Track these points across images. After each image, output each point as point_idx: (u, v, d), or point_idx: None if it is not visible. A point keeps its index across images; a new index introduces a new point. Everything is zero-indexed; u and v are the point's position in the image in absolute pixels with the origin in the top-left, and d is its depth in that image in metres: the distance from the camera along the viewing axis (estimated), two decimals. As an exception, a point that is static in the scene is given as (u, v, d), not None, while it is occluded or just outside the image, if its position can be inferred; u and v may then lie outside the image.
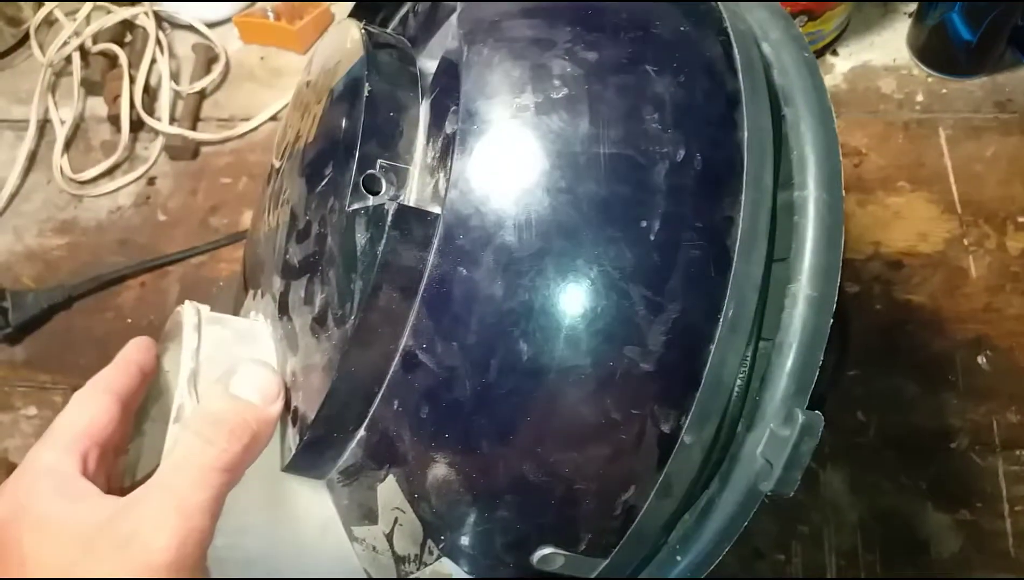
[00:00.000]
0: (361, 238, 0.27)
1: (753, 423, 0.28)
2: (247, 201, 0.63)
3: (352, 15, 0.37)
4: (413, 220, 0.27)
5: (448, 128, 0.29)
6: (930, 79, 0.60)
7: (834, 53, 0.63)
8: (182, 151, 0.66)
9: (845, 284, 0.54)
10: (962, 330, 0.52)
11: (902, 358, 0.51)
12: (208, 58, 0.70)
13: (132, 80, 0.68)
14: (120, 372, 0.32)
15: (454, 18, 0.31)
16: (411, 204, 0.29)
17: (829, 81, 0.62)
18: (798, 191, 0.28)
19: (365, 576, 0.32)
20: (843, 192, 0.28)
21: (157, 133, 0.67)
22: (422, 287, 0.27)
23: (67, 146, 0.68)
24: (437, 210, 0.27)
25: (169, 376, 0.34)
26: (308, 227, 0.31)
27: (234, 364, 0.30)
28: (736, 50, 0.29)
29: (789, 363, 0.27)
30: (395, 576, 0.30)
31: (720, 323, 0.27)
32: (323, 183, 0.31)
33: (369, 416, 0.28)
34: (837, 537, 0.47)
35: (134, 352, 0.33)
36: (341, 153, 0.30)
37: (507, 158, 0.27)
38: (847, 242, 0.56)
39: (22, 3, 0.75)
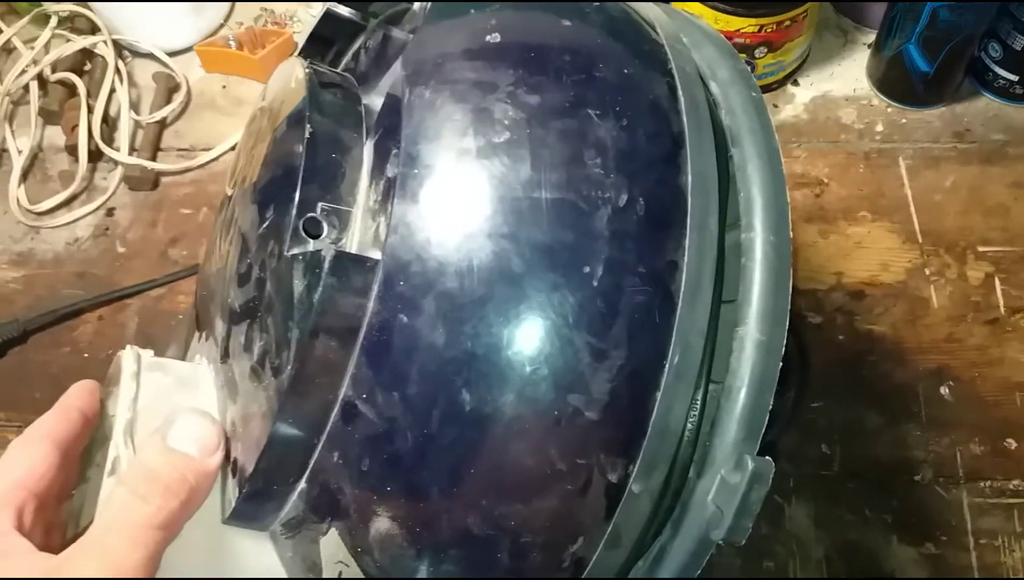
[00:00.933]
0: (299, 285, 0.27)
1: (704, 469, 0.27)
2: (208, 232, 0.62)
3: (303, 52, 0.37)
4: (351, 266, 0.26)
5: (390, 171, 0.28)
6: (890, 109, 0.61)
7: (795, 83, 0.63)
8: (141, 181, 0.65)
9: (808, 314, 0.54)
10: (924, 361, 0.52)
11: (865, 389, 0.51)
12: (169, 87, 0.69)
13: (91, 109, 0.67)
14: (60, 418, 0.31)
15: (399, 59, 0.31)
16: (353, 248, 0.28)
17: (790, 111, 0.62)
18: (745, 233, 0.28)
19: None
20: (791, 233, 0.28)
21: (116, 163, 0.66)
22: (361, 335, 0.26)
23: (24, 176, 0.67)
24: (377, 256, 0.27)
25: (114, 421, 0.33)
26: (249, 271, 0.31)
27: (173, 413, 0.29)
28: (681, 92, 0.29)
29: (738, 408, 0.27)
30: None
31: (666, 370, 0.26)
32: (264, 225, 0.30)
33: (309, 468, 0.28)
34: (803, 572, 0.47)
35: (76, 397, 0.32)
36: (282, 195, 0.29)
37: (448, 203, 0.27)
38: (810, 272, 0.56)
39: (-20, 31, 0.73)
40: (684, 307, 0.26)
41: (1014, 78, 0.58)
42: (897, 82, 0.60)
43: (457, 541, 0.26)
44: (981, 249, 0.55)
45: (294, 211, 0.28)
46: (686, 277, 0.27)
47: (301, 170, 0.28)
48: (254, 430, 0.28)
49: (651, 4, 0.35)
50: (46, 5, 0.71)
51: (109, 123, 0.68)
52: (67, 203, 0.65)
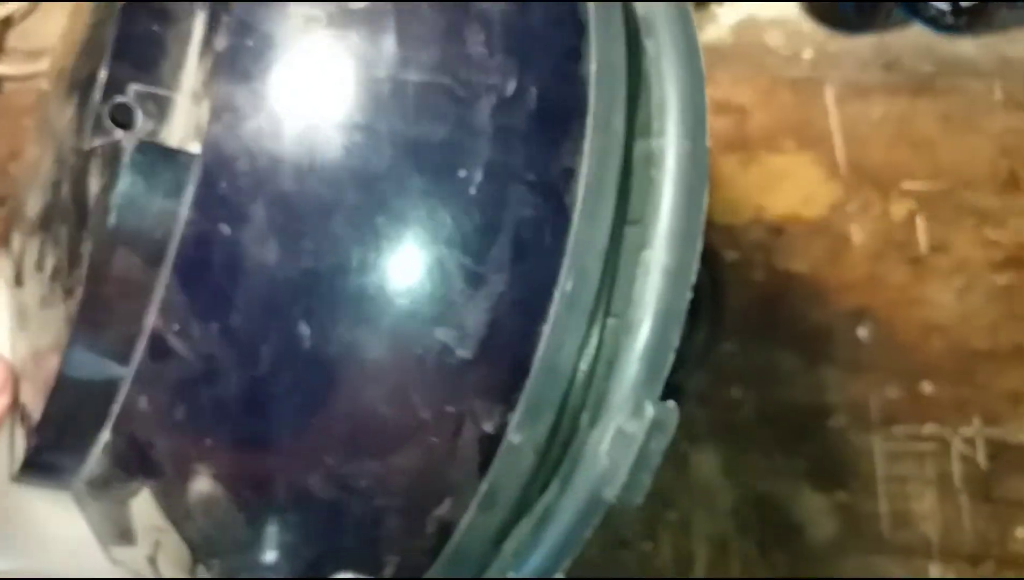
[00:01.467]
0: (94, 185, 0.21)
1: (597, 416, 0.23)
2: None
3: None
4: (160, 161, 0.21)
5: (218, 44, 0.22)
6: (818, 35, 0.57)
7: (719, 2, 0.59)
8: (-19, 86, 0.57)
9: (724, 251, 0.50)
10: (843, 301, 0.49)
11: (781, 330, 0.48)
12: (17, -21, 0.60)
13: (-79, 0, 0.57)
14: None
15: None
16: (173, 143, 0.22)
17: (713, 32, 0.58)
18: (656, 139, 0.23)
19: None
20: (708, 141, 0.24)
21: (-49, 64, 0.57)
22: (172, 251, 0.21)
23: None
24: (195, 149, 0.21)
25: None
26: (47, 174, 0.25)
27: None
28: None
29: (639, 345, 0.22)
30: None
31: (556, 299, 0.22)
32: (68, 117, 0.24)
33: (114, 415, 0.22)
34: (709, 523, 0.44)
35: None
36: (89, 78, 0.23)
37: (289, 83, 0.22)
38: (727, 205, 0.52)
39: None
40: (581, 224, 0.22)
41: (945, 7, 0.55)
42: (827, 5, 0.56)
43: (295, 504, 0.22)
44: (906, 185, 0.52)
45: (99, 95, 0.22)
46: (584, 187, 0.22)
47: (110, 44, 0.23)
48: (45, 369, 0.23)
49: None
50: None
51: (-58, 17, 0.59)
52: None
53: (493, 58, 0.22)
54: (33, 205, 0.26)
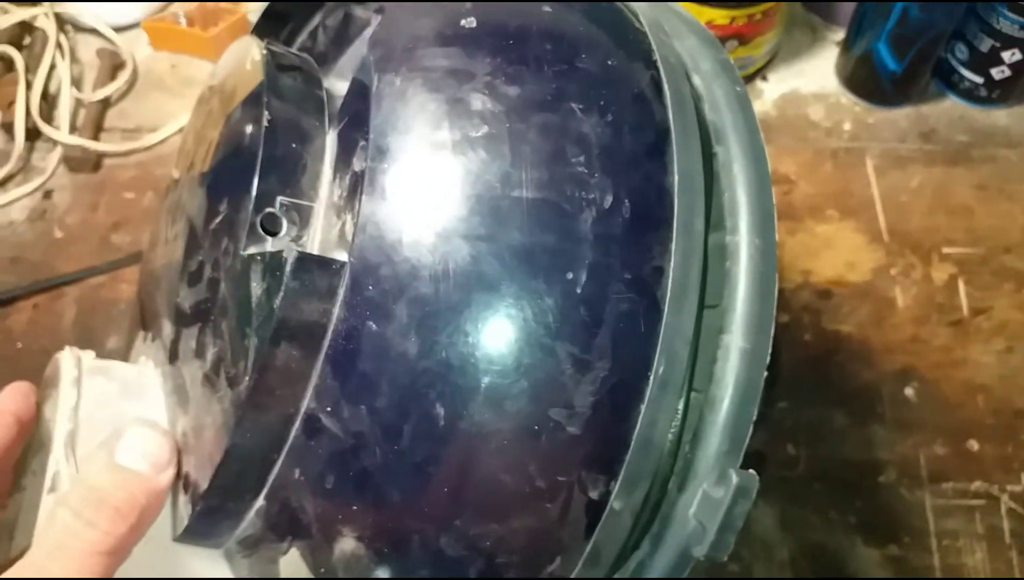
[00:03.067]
0: (257, 288, 0.25)
1: (685, 482, 0.26)
2: (152, 217, 0.59)
3: (256, 29, 0.34)
4: (316, 269, 0.24)
5: (357, 165, 0.26)
6: (857, 108, 0.61)
7: (764, 79, 0.63)
8: (82, 163, 0.61)
9: (776, 313, 0.53)
10: (890, 361, 0.52)
11: (831, 390, 0.51)
12: (114, 64, 0.66)
13: (29, 85, 0.63)
14: None
15: (365, 39, 0.29)
16: (315, 247, 0.26)
17: (758, 107, 0.61)
18: (730, 235, 0.27)
19: None
20: (776, 237, 0.27)
21: (55, 143, 0.62)
22: (326, 344, 0.24)
23: (-46, 155, 0.63)
24: (343, 257, 0.24)
25: (51, 426, 0.31)
26: (201, 269, 0.28)
27: (120, 425, 0.26)
28: (666, 85, 0.28)
29: (722, 419, 0.25)
30: None
31: (651, 381, 0.25)
32: (217, 220, 0.28)
33: (268, 484, 0.26)
34: (768, 575, 0.46)
35: (9, 401, 0.29)
36: (237, 188, 0.27)
37: (421, 201, 0.25)
38: (778, 272, 0.56)
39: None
40: (670, 314, 0.25)
41: (979, 80, 0.58)
42: (865, 81, 0.60)
43: (428, 562, 0.25)
44: (945, 250, 0.55)
45: (251, 206, 0.25)
46: (672, 283, 0.25)
47: (259, 161, 0.26)
48: (208, 443, 0.26)
49: None
50: (-21, -28, 0.67)
51: (49, 101, 0.64)
52: (1, 184, 0.62)
53: (592, 176, 0.25)
54: (185, 298, 0.29)
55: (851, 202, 0.57)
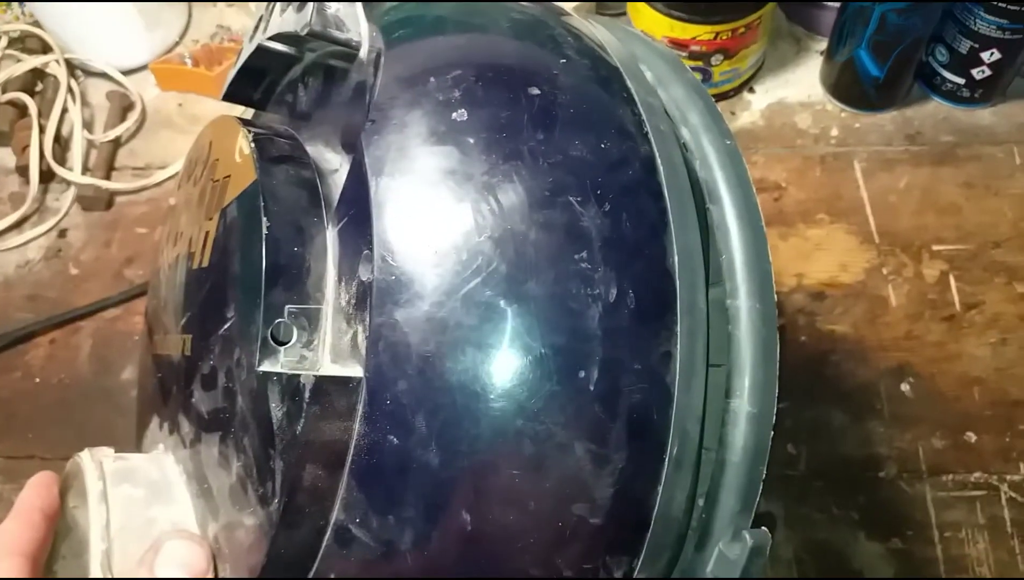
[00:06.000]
0: (276, 410, 0.25)
1: (702, 542, 0.27)
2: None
3: (235, 83, 0.34)
4: (334, 391, 0.25)
5: (363, 274, 0.26)
6: (843, 114, 0.62)
7: (751, 90, 0.64)
8: (95, 201, 0.64)
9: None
10: (885, 358, 0.52)
11: (829, 388, 0.52)
12: (123, 106, 0.68)
13: (42, 129, 0.65)
14: (25, 527, 0.29)
15: (349, 98, 0.29)
16: (326, 352, 0.26)
17: (747, 117, 0.63)
18: (730, 299, 0.27)
19: None
20: (775, 297, 0.27)
21: (69, 184, 0.65)
22: (349, 459, 0.25)
23: (-27, 199, 0.66)
24: (358, 372, 0.25)
25: (76, 512, 0.31)
26: (214, 375, 0.29)
27: (156, 538, 0.27)
28: (660, 160, 0.28)
29: (734, 482, 0.26)
30: None
31: (666, 463, 0.25)
32: (225, 326, 0.28)
33: None
34: (773, 572, 0.47)
35: (34, 497, 0.30)
36: (243, 297, 0.27)
37: (430, 311, 0.25)
38: (774, 277, 0.57)
39: (-75, 52, 0.72)
40: (680, 395, 0.25)
41: (961, 81, 0.60)
42: (849, 87, 0.61)
43: None
44: (935, 248, 0.56)
45: (261, 319, 0.25)
46: (680, 365, 0.25)
47: (263, 272, 0.26)
48: (242, 555, 0.27)
49: (602, 29, 0.33)
50: (-7, 24, 0.70)
51: (61, 143, 0.67)
52: (17, 225, 0.64)
53: (596, 271, 0.25)
54: (201, 401, 0.29)
55: (841, 205, 0.58)
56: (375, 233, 0.26)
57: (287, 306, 0.26)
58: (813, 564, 0.47)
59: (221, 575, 0.28)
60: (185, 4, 0.73)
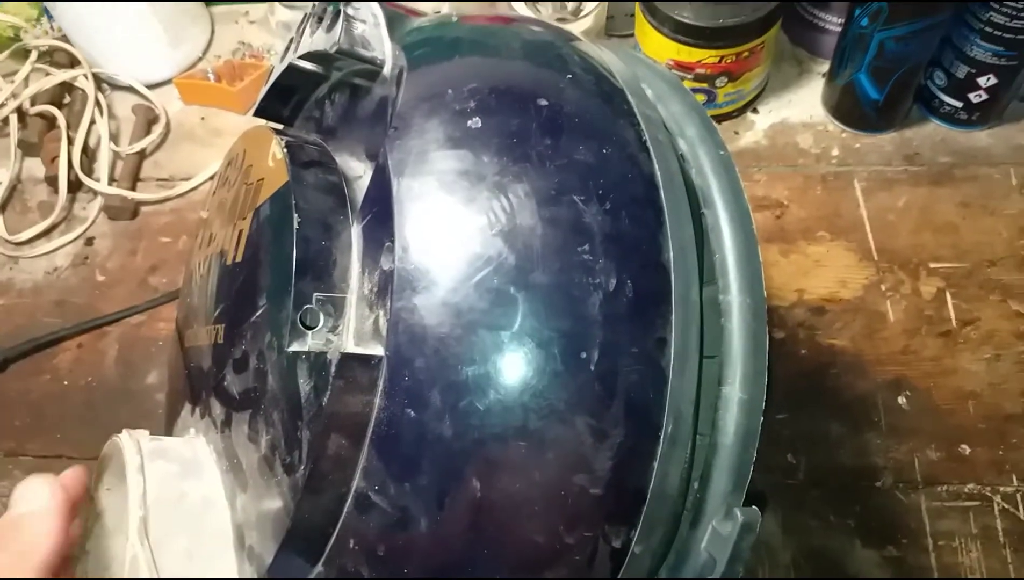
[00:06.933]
0: (304, 385, 0.28)
1: (696, 520, 0.29)
2: (187, 259, 0.63)
3: (266, 99, 0.37)
4: (357, 367, 0.27)
5: (385, 264, 0.28)
6: (844, 134, 0.64)
7: (754, 111, 0.66)
8: (121, 211, 0.66)
9: (771, 330, 0.56)
10: (882, 372, 0.54)
11: (827, 400, 0.54)
12: (148, 119, 0.71)
13: (71, 141, 0.68)
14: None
15: (372, 115, 0.31)
16: (350, 336, 0.29)
17: (750, 137, 0.65)
18: (723, 295, 0.29)
19: None
20: (764, 293, 0.30)
21: (95, 193, 0.67)
22: (370, 430, 0.27)
23: (3, 207, 0.68)
24: (380, 351, 0.27)
25: (108, 496, 0.33)
26: (246, 358, 0.31)
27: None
28: (657, 166, 0.30)
29: (726, 463, 0.28)
30: None
31: (661, 439, 0.27)
32: (257, 314, 0.31)
33: (325, 554, 0.28)
34: (771, 576, 0.49)
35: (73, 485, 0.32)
36: (274, 287, 0.30)
37: (446, 296, 0.27)
38: (773, 290, 0.58)
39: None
40: (674, 379, 0.28)
41: (958, 104, 0.62)
42: (850, 109, 0.63)
43: None
44: (932, 265, 0.58)
45: (291, 305, 0.28)
46: (675, 351, 0.28)
47: (294, 263, 0.29)
48: (268, 522, 0.29)
49: (608, 52, 0.36)
50: (26, 40, 0.72)
51: (89, 154, 0.69)
52: (46, 233, 0.66)
53: (597, 262, 0.28)
54: (232, 383, 0.32)
55: (841, 223, 0.60)
56: (396, 227, 0.28)
57: (315, 294, 0.28)
58: (810, 569, 0.48)
59: (248, 544, 0.30)
60: (208, 21, 0.75)
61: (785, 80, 0.67)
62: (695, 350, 0.28)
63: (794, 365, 0.55)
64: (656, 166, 0.30)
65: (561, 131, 0.30)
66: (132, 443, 0.31)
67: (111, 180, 0.67)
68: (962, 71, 0.59)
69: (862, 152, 0.63)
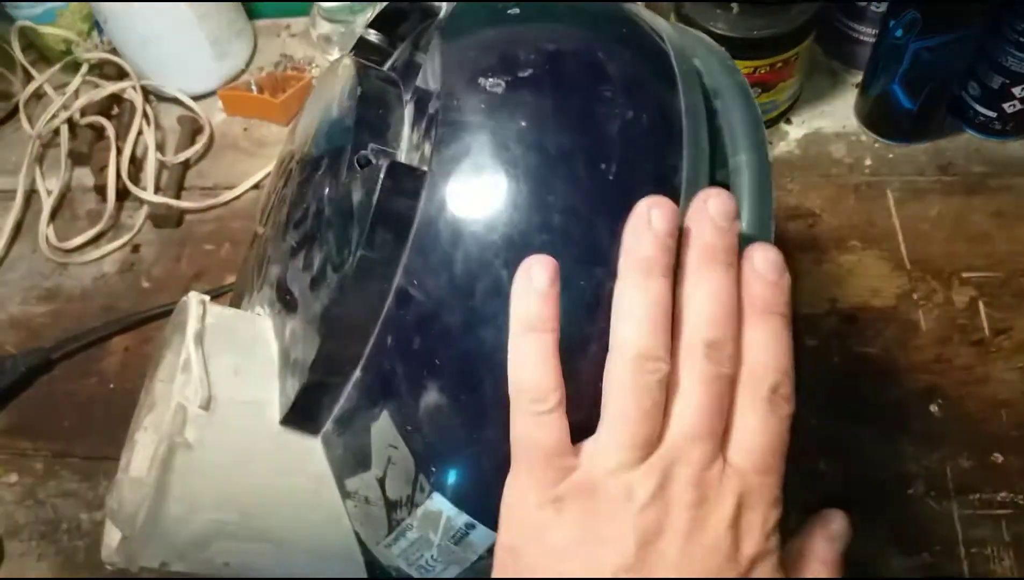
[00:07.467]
0: (358, 196, 0.31)
1: None
2: (230, 267, 0.65)
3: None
4: (404, 173, 0.30)
5: (431, 108, 0.33)
6: (877, 144, 0.64)
7: (788, 121, 0.67)
8: (166, 219, 0.68)
9: (804, 338, 0.56)
10: (915, 380, 0.54)
11: (860, 408, 0.54)
12: (193, 129, 0.73)
13: (119, 151, 0.70)
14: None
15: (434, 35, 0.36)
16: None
17: (783, 147, 0.66)
18: (732, 157, 0.33)
19: (355, 539, 0.33)
20: (769, 155, 0.33)
21: (142, 202, 0.69)
22: (413, 231, 0.30)
23: (53, 215, 0.70)
24: (424, 168, 0.31)
25: (162, 386, 0.35)
26: (305, 213, 0.35)
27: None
28: (672, 54, 0.35)
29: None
30: (387, 528, 0.32)
31: None
32: (319, 174, 0.35)
33: (365, 355, 0.31)
34: (803, 583, 0.49)
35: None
36: (338, 146, 0.34)
37: (483, 124, 0.31)
38: (805, 297, 0.59)
39: (12, 78, 0.77)
40: (684, 201, 0.31)
41: (993, 114, 0.62)
42: (883, 119, 0.63)
43: (498, 403, 0.29)
44: (965, 275, 0.58)
45: (350, 148, 0.32)
46: (686, 175, 0.31)
47: (354, 119, 0.33)
48: (313, 327, 0.32)
49: (661, 19, 0.39)
50: (77, 53, 0.75)
51: (136, 164, 0.71)
52: (94, 240, 0.69)
53: (618, 98, 0.32)
54: (291, 238, 0.36)
55: (873, 232, 0.60)
56: (442, 85, 0.32)
57: (371, 144, 0.33)
58: (843, 576, 0.49)
59: (293, 358, 0.33)
60: (251, 35, 0.78)
61: (818, 91, 0.68)
62: (704, 181, 0.32)
63: (826, 373, 0.55)
64: (672, 54, 0.35)
65: (587, 27, 0.35)
66: (197, 300, 0.34)
67: (157, 189, 0.70)
68: (996, 81, 0.60)
69: (895, 162, 0.63)
